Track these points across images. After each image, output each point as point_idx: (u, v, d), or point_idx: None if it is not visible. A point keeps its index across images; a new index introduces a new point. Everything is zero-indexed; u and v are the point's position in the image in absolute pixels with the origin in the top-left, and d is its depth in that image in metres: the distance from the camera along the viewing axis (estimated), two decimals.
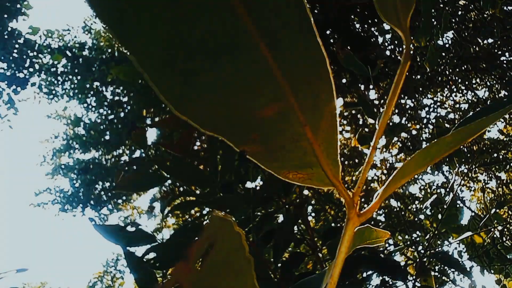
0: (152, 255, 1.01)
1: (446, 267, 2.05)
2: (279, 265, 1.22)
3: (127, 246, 1.08)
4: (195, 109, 0.15)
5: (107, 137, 5.78)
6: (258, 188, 1.33)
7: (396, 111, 4.28)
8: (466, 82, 3.69)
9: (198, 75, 0.14)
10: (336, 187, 0.22)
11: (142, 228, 1.12)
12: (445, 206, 1.52)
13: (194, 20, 0.13)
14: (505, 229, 1.92)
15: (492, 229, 1.89)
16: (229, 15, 0.13)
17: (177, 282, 0.13)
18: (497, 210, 1.74)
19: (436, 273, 2.09)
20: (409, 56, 0.19)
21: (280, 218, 1.50)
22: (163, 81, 0.14)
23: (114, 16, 0.12)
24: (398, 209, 3.56)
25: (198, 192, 1.36)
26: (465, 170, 2.05)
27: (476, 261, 2.00)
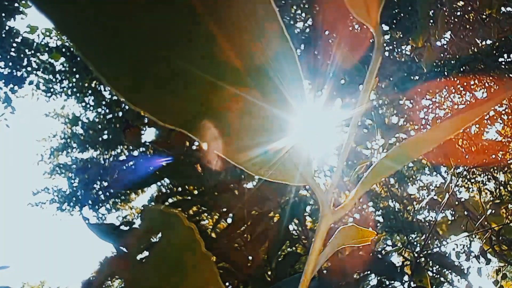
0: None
1: (443, 268, 2.05)
2: (274, 265, 1.21)
3: (121, 246, 1.08)
4: (151, 101, 0.14)
5: (105, 136, 5.78)
6: (253, 187, 1.32)
7: (395, 111, 4.28)
8: (465, 83, 3.69)
9: (151, 64, 0.14)
10: (309, 183, 0.22)
11: (136, 227, 1.11)
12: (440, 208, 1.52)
13: (143, 9, 0.13)
14: (502, 230, 1.91)
15: (489, 230, 1.89)
16: (182, 5, 0.13)
17: (113, 276, 0.13)
18: (493, 211, 1.74)
19: (434, 274, 2.09)
20: (380, 52, 0.18)
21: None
22: (111, 71, 0.13)
23: None
24: (396, 209, 3.56)
25: (196, 192, 1.36)
26: (464, 172, 2.05)
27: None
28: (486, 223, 1.83)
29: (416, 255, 1.34)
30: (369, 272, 1.36)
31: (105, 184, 5.90)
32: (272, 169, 0.21)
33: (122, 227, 1.07)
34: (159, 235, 0.13)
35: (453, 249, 2.60)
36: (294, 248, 1.46)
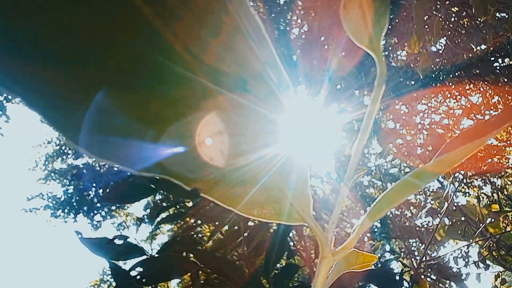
0: (139, 269, 0.98)
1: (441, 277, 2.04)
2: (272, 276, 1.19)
3: (115, 260, 1.05)
4: (118, 150, 0.12)
5: None
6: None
7: (391, 116, 4.29)
8: (460, 88, 3.71)
9: (109, 116, 0.11)
10: (307, 223, 0.20)
11: (130, 241, 1.09)
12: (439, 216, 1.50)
13: (110, 41, 0.11)
14: (501, 237, 1.90)
15: (489, 237, 1.88)
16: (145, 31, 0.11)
17: None
18: (492, 220, 1.73)
19: (433, 280, 2.07)
20: (383, 80, 0.17)
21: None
22: (69, 125, 0.11)
23: None
24: (394, 215, 3.55)
25: (191, 204, 1.33)
26: (461, 177, 2.04)
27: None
28: (484, 230, 1.82)
29: (415, 265, 1.33)
30: (367, 282, 1.34)
31: (100, 191, 5.86)
32: (268, 208, 0.19)
33: (116, 241, 1.04)
34: None
35: (451, 254, 2.58)
36: (292, 259, 1.44)
